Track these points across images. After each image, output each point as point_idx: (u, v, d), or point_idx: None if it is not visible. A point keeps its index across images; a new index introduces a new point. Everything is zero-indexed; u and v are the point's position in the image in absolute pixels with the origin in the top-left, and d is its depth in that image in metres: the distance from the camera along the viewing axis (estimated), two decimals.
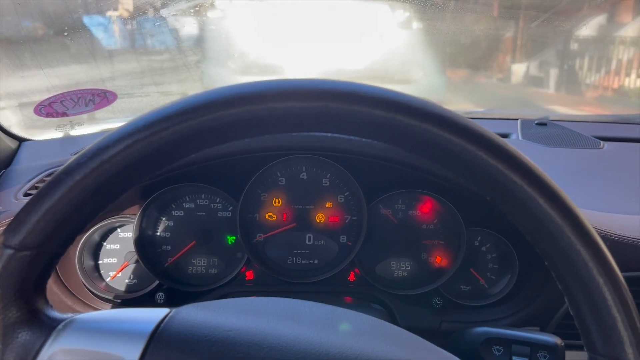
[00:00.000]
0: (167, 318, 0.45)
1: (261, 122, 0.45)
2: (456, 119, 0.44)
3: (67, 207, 0.43)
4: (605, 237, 0.91)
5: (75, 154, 0.44)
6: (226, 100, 0.44)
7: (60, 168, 0.44)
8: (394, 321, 1.03)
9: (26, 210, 0.43)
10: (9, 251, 0.43)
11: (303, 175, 1.07)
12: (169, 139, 0.44)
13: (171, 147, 0.44)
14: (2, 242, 0.43)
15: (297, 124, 0.46)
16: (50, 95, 1.20)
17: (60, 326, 0.44)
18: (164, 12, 1.94)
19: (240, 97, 0.44)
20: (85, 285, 1.04)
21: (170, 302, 1.05)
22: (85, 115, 1.28)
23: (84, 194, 0.43)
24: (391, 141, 0.45)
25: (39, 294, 0.46)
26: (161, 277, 1.05)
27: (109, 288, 1.07)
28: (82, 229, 0.47)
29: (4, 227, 0.44)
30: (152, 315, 0.45)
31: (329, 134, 0.47)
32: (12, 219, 0.44)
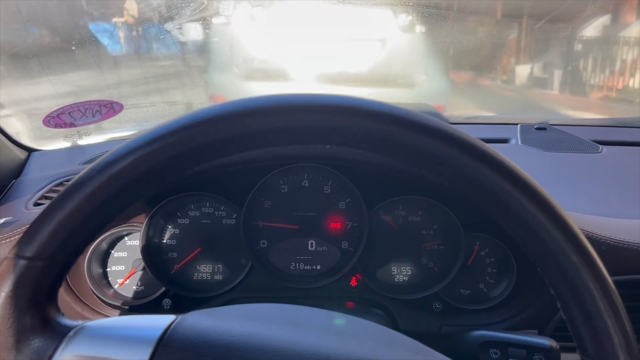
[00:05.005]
0: (173, 324, 0.46)
1: (265, 135, 0.46)
2: (444, 128, 0.45)
3: (78, 219, 0.45)
4: (601, 242, 0.92)
5: (83, 163, 0.46)
6: (230, 115, 0.46)
7: (71, 182, 0.46)
8: (395, 325, 1.04)
9: (38, 223, 0.45)
10: (23, 262, 0.45)
11: (305, 183, 1.08)
12: (174, 153, 0.45)
13: (177, 161, 0.46)
14: (16, 253, 0.45)
15: (297, 137, 0.47)
16: (59, 107, 1.22)
17: (71, 333, 0.46)
18: (169, 21, 1.96)
19: (244, 112, 0.45)
20: (94, 293, 1.05)
21: (176, 308, 1.07)
22: (92, 125, 1.30)
23: (93, 206, 0.45)
24: (392, 155, 0.47)
25: (51, 302, 0.47)
26: (167, 284, 1.07)
27: (117, 295, 1.09)
28: (91, 239, 0.48)
29: (18, 238, 0.46)
30: (159, 321, 0.47)
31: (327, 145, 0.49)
32: (25, 231, 0.46)
